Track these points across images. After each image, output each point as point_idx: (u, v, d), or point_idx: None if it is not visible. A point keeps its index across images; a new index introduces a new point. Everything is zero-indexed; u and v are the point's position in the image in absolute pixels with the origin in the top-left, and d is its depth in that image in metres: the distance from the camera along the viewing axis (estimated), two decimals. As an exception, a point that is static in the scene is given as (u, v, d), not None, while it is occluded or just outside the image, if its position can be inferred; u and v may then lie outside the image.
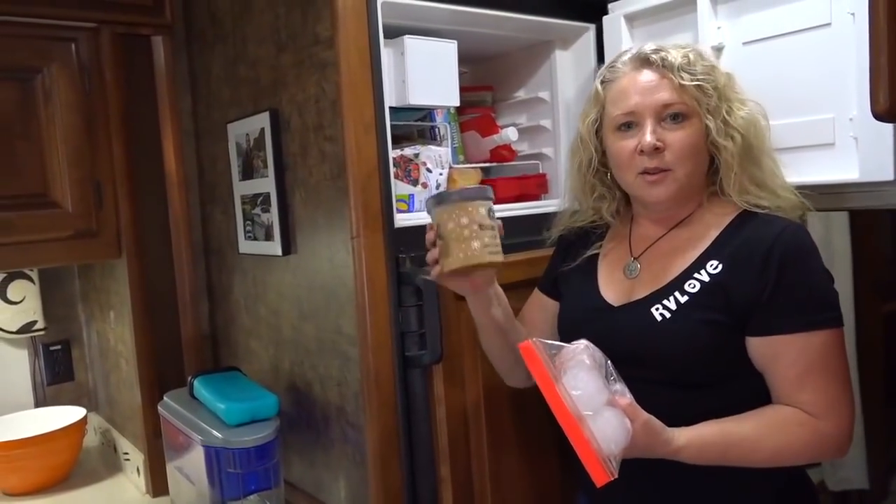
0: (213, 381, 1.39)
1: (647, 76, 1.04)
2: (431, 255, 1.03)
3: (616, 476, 0.84)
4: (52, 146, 1.43)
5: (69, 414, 1.66)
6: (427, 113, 1.46)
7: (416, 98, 1.28)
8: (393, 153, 1.23)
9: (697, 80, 1.01)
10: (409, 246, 1.19)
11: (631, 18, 1.41)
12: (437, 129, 1.46)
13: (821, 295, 0.97)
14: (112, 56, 1.48)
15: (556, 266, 1.22)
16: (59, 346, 1.84)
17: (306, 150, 1.27)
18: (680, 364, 0.99)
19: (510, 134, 1.51)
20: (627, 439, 0.86)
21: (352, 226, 1.16)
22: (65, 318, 1.85)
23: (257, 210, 1.43)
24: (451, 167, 1.40)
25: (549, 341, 0.93)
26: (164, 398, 1.43)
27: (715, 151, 1.04)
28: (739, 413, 0.97)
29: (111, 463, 1.75)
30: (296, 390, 1.40)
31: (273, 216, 1.36)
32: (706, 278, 1.00)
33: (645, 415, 0.90)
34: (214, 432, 1.23)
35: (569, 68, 1.57)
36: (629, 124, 1.05)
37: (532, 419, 1.33)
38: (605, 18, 1.44)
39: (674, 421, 0.94)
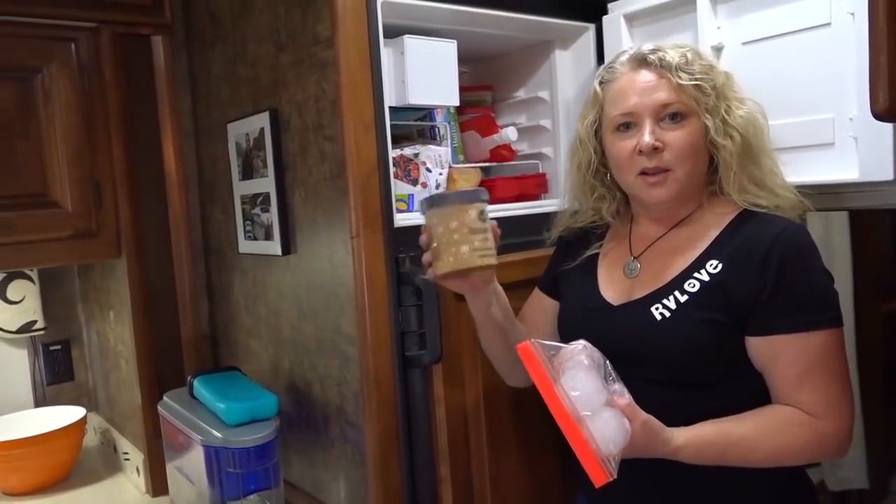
0: (212, 380, 1.39)
1: (646, 76, 1.04)
2: (426, 258, 1.03)
3: (615, 476, 0.84)
4: (51, 146, 1.43)
5: (69, 414, 1.66)
6: (427, 113, 1.46)
7: (416, 98, 1.28)
8: (393, 153, 1.23)
9: (695, 79, 1.01)
10: (408, 246, 1.18)
11: (630, 18, 1.41)
12: (436, 129, 1.46)
13: (821, 295, 0.97)
14: (112, 56, 1.48)
15: (556, 265, 1.22)
16: (58, 346, 1.84)
17: (306, 149, 1.27)
18: (679, 363, 0.99)
19: (510, 134, 1.51)
20: (626, 439, 0.86)
21: (351, 225, 1.16)
22: (64, 317, 1.85)
23: (257, 210, 1.43)
24: (450, 167, 1.40)
25: (548, 342, 0.93)
26: (164, 398, 1.43)
27: (714, 151, 1.04)
28: (739, 413, 0.97)
29: (111, 463, 1.75)
30: (295, 390, 1.40)
31: (273, 216, 1.36)
32: (706, 278, 1.00)
33: (644, 415, 0.90)
34: (214, 432, 1.23)
35: (568, 68, 1.57)
36: (628, 125, 1.05)
37: (532, 419, 1.33)
38: (604, 18, 1.44)
39: (673, 420, 0.94)
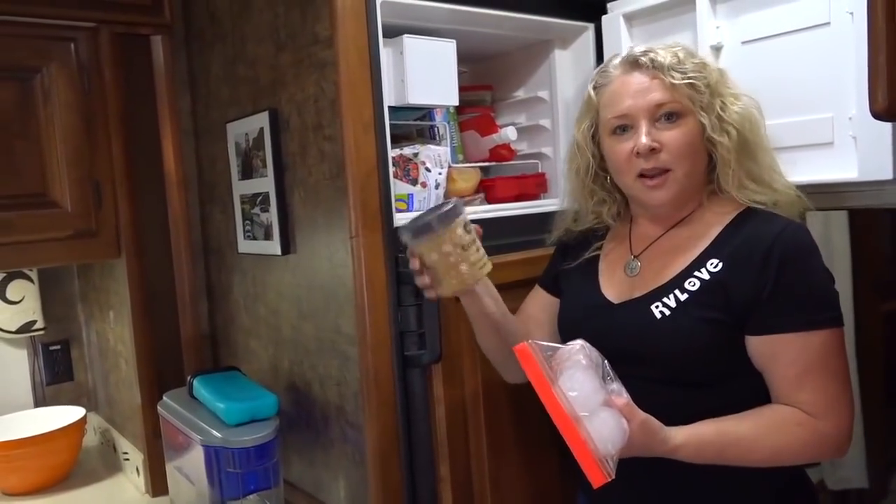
0: (212, 380, 1.39)
1: (638, 78, 1.04)
2: (423, 282, 1.04)
3: (613, 477, 0.84)
4: (51, 146, 1.43)
5: (69, 414, 1.66)
6: (426, 112, 1.46)
7: (416, 97, 1.28)
8: (392, 152, 1.23)
9: (688, 77, 1.01)
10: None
11: (630, 18, 1.41)
12: (436, 129, 1.46)
13: (821, 294, 0.97)
14: (111, 56, 1.48)
15: (557, 264, 1.23)
16: (58, 346, 1.84)
17: (305, 149, 1.27)
18: (679, 362, 0.99)
19: (509, 133, 1.51)
20: (624, 439, 0.86)
21: (351, 225, 1.16)
22: (64, 317, 1.85)
23: (256, 210, 1.43)
24: (450, 166, 1.40)
25: (545, 343, 0.93)
26: (164, 398, 1.43)
27: (711, 148, 1.04)
28: (739, 412, 0.97)
29: (111, 463, 1.75)
30: (295, 390, 1.40)
31: (272, 216, 1.36)
32: (706, 276, 1.00)
33: (642, 414, 0.90)
34: (214, 432, 1.23)
35: (568, 68, 1.57)
36: (624, 127, 1.05)
37: (531, 418, 1.33)
38: (604, 18, 1.44)
39: (672, 419, 0.94)
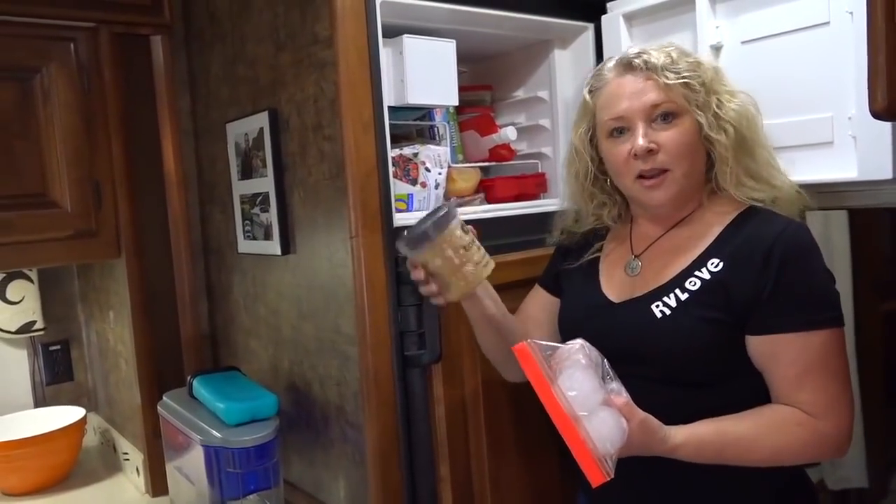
0: (212, 380, 1.39)
1: (633, 80, 1.04)
2: (430, 290, 1.05)
3: (612, 476, 0.84)
4: (50, 146, 1.43)
5: (69, 414, 1.66)
6: (426, 112, 1.46)
7: (415, 97, 1.28)
8: (392, 152, 1.23)
9: (683, 77, 1.01)
10: (408, 245, 1.19)
11: (630, 18, 1.41)
12: (436, 129, 1.46)
13: (821, 294, 0.97)
14: (111, 56, 1.48)
15: (557, 264, 1.23)
16: (58, 346, 1.84)
17: (305, 149, 1.27)
18: (679, 362, 0.99)
19: (509, 133, 1.51)
20: (623, 439, 0.86)
21: (351, 225, 1.16)
22: (64, 318, 1.85)
23: (256, 210, 1.43)
24: (449, 166, 1.40)
25: (544, 342, 0.93)
26: (164, 398, 1.43)
27: (709, 146, 1.04)
28: (739, 412, 0.97)
29: (111, 463, 1.75)
30: (295, 390, 1.40)
31: (272, 216, 1.36)
32: (707, 276, 1.00)
33: (641, 414, 0.90)
34: (214, 432, 1.23)
35: (568, 68, 1.57)
36: (621, 129, 1.05)
37: (531, 418, 1.33)
38: (603, 18, 1.44)
39: (672, 419, 0.94)
